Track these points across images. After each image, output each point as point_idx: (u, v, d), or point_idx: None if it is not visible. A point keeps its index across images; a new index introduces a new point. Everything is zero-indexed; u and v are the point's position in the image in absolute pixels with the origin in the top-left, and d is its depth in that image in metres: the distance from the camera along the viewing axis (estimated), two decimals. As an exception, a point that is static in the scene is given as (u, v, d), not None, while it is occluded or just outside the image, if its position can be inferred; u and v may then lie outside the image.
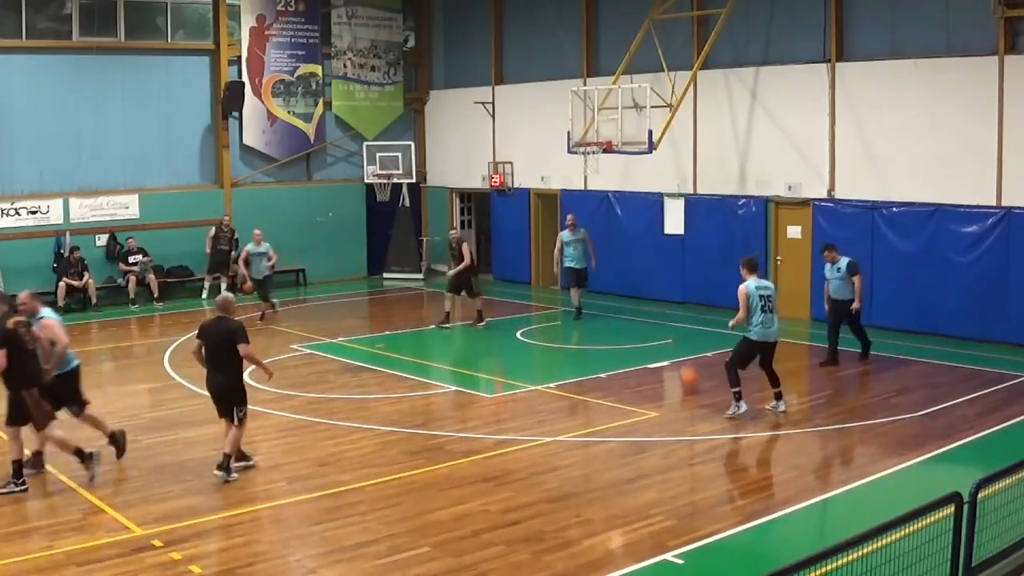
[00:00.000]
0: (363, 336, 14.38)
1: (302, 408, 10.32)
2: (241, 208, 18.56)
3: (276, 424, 9.72)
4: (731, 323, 9.88)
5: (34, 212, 16.77)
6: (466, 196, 20.84)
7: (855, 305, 11.61)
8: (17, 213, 16.59)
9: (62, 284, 16.37)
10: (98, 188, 17.45)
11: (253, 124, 18.93)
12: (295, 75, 19.32)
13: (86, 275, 16.69)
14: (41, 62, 16.71)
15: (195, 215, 18.15)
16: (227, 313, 8.15)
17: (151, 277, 17.26)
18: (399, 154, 19.80)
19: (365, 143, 20.06)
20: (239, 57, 18.61)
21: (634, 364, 12.08)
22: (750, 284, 9.61)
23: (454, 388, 11.34)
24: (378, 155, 19.86)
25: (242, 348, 7.90)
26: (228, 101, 18.26)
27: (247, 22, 18.66)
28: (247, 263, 15.62)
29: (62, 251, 16.75)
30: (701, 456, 8.79)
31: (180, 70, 18.23)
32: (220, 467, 7.96)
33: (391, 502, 7.56)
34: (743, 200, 15.58)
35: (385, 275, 20.12)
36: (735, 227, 15.58)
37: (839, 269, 11.72)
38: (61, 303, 16.05)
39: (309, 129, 19.71)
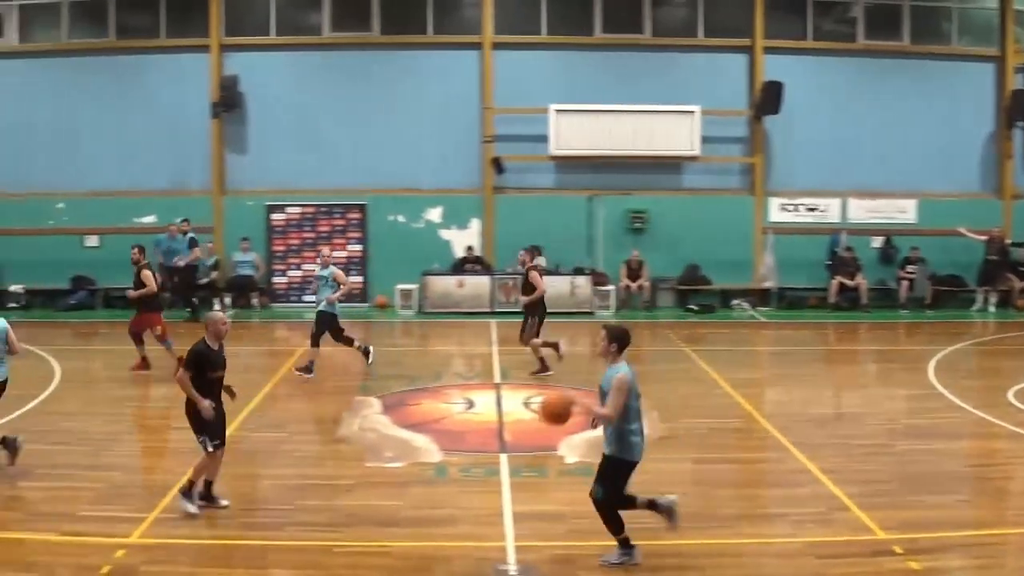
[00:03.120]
0: None
1: None
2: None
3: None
4: (598, 413, 6.72)
5: (812, 209, 18.94)
6: None
7: None
8: (796, 209, 19.01)
9: (835, 282, 17.91)
10: (876, 190, 18.72)
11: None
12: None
13: (859, 275, 17.98)
14: (823, 64, 18.74)
15: (972, 225, 18.09)
16: None
17: (926, 283, 17.94)
18: None
19: None
20: (1026, 65, 18.10)
21: None
22: (627, 370, 6.71)
23: None
24: None
25: None
26: (1013, 110, 17.93)
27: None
28: None
29: (837, 249, 18.36)
30: None
31: (962, 75, 18.52)
32: None
33: None
34: None
35: None
36: None
37: None
38: (832, 300, 17.80)
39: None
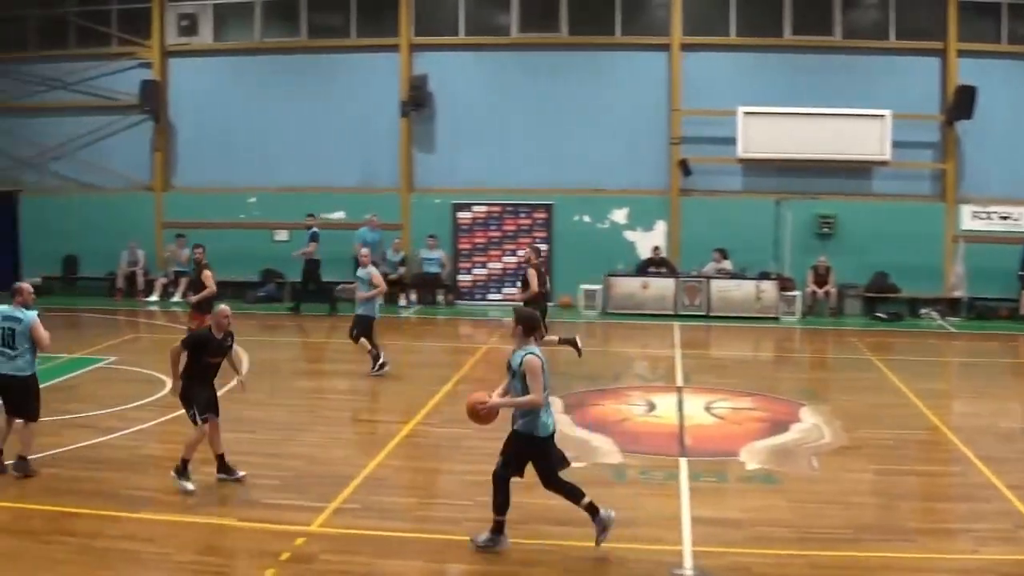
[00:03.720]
0: None
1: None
2: None
3: None
4: (523, 404, 8.19)
5: (1006, 218, 21.59)
6: None
7: None
8: (989, 217, 21.66)
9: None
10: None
11: None
12: None
13: (1053, 286, 20.77)
14: (1019, 68, 21.26)
15: None
16: None
17: None
18: None
19: None
20: None
21: None
22: (537, 351, 8.29)
23: None
24: None
25: None
26: None
27: None
28: None
29: (1030, 258, 21.28)
30: None
31: None
32: None
33: None
34: None
35: None
36: None
37: None
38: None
39: None
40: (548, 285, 16.92)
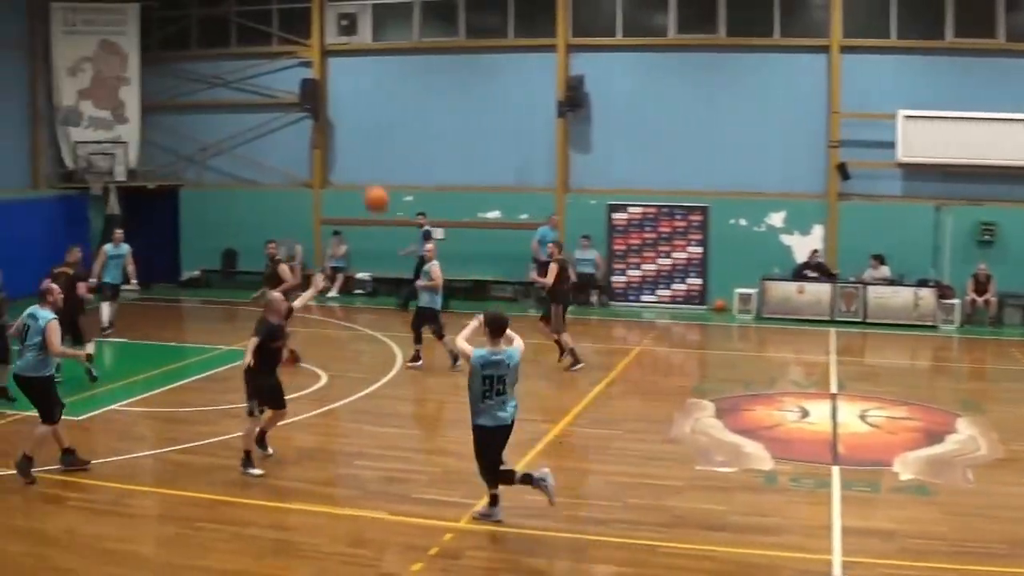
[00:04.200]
0: None
1: None
2: None
3: None
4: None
5: None
6: None
7: None
8: None
9: None
10: None
11: None
12: None
13: None
14: None
15: None
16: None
17: None
18: None
19: None
20: None
21: None
22: (483, 353, 10.49)
23: None
24: None
25: None
26: None
27: None
28: None
29: None
30: None
31: None
32: None
33: None
34: None
35: None
36: None
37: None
38: None
39: None
40: (570, 282, 19.49)
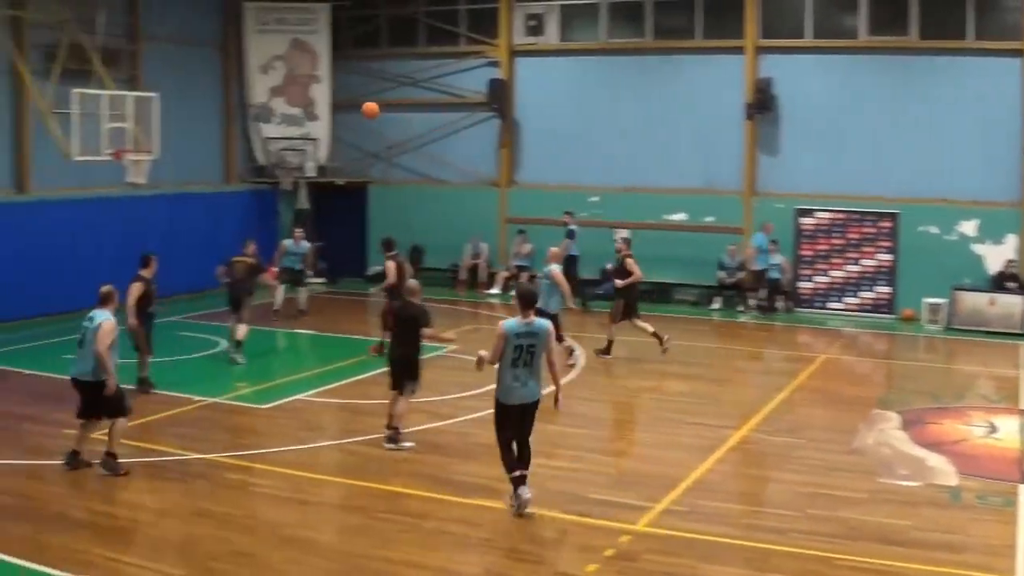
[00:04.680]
0: None
1: None
2: None
3: None
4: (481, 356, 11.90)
5: None
6: None
7: None
8: None
9: None
10: None
11: None
12: None
13: None
14: None
15: None
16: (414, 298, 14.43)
17: None
18: None
19: None
20: None
21: None
22: (512, 324, 11.92)
23: None
24: None
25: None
26: None
27: None
28: None
29: None
30: None
31: None
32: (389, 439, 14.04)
33: None
34: None
35: None
36: None
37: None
38: None
39: None
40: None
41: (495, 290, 29.63)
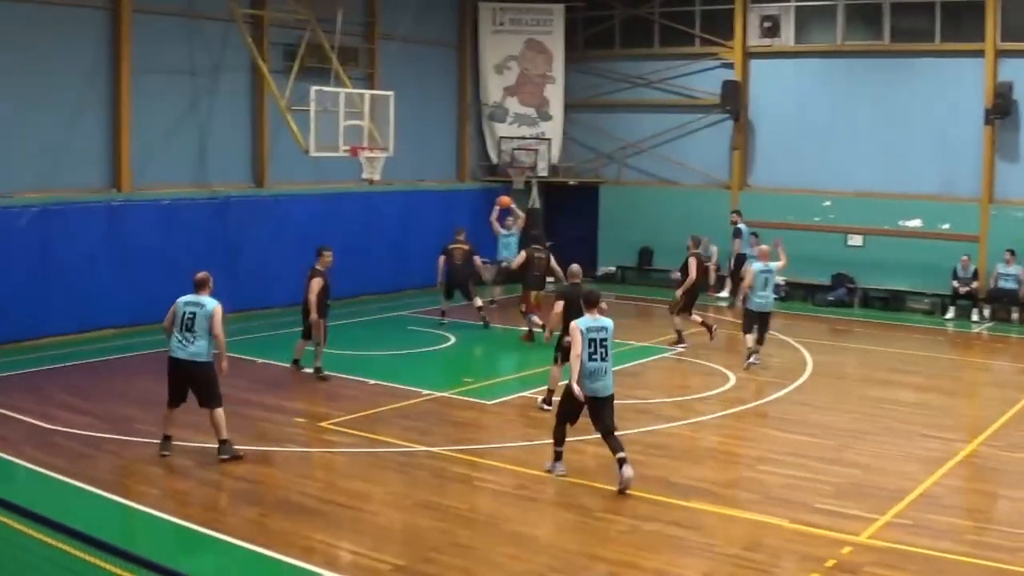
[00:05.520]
0: None
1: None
2: None
3: None
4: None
5: None
6: None
7: None
8: None
9: None
10: None
11: None
12: None
13: None
14: None
15: None
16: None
17: None
18: None
19: None
20: None
21: None
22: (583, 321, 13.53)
23: None
24: None
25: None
26: None
27: None
28: None
29: None
30: None
31: None
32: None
33: None
34: None
35: None
36: None
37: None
38: None
39: None
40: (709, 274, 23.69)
41: (725, 293, 30.67)
